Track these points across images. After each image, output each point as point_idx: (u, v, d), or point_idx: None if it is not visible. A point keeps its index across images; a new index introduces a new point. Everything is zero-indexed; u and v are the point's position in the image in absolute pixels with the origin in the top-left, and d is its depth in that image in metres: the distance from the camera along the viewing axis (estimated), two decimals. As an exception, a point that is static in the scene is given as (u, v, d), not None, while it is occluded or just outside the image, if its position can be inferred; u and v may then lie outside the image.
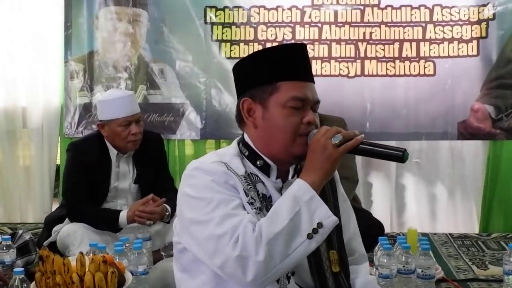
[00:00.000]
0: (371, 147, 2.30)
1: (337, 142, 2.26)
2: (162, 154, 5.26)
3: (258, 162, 2.43)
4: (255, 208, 2.33)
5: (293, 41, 6.14)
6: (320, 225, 2.18)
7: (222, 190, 2.30)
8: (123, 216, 4.71)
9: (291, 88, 2.36)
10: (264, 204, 2.37)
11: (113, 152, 4.88)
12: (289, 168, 2.48)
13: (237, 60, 5.83)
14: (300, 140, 2.36)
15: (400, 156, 2.26)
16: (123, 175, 4.94)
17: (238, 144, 2.50)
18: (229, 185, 2.33)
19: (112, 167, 4.89)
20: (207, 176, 2.32)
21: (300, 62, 2.43)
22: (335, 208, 2.52)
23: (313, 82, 2.45)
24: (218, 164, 2.36)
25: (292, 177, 2.47)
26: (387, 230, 5.54)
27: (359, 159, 5.94)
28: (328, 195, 2.52)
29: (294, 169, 2.49)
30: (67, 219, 4.81)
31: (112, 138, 4.83)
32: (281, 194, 2.37)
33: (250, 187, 2.36)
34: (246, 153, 2.46)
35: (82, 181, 4.80)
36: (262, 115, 2.40)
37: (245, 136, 2.49)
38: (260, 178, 2.42)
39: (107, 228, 4.73)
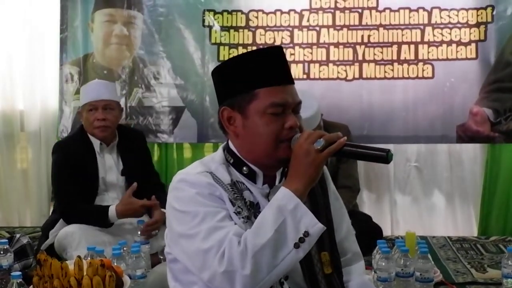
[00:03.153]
0: (355, 149, 2.28)
1: (319, 147, 2.23)
2: (146, 150, 5.34)
3: (243, 169, 2.41)
4: (242, 217, 2.31)
5: (291, 44, 6.17)
6: (306, 233, 2.16)
7: (207, 202, 2.28)
8: (112, 210, 4.73)
9: (269, 95, 2.31)
10: (252, 211, 2.35)
11: (96, 143, 4.94)
12: (275, 173, 2.46)
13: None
14: (283, 146, 2.33)
15: (384, 157, 2.22)
16: (109, 168, 4.99)
17: (224, 150, 2.48)
18: (214, 197, 2.31)
19: (98, 159, 4.93)
20: (192, 188, 2.30)
21: (276, 66, 2.38)
22: (326, 207, 2.51)
23: (293, 83, 2.41)
24: (203, 175, 2.35)
25: (280, 182, 2.44)
26: (385, 233, 5.53)
27: (360, 166, 5.94)
28: (317, 194, 2.50)
29: (281, 173, 2.46)
30: (61, 220, 4.81)
31: (85, 125, 4.95)
32: (269, 200, 2.34)
33: (237, 196, 2.34)
34: (231, 161, 2.43)
35: (70, 180, 4.83)
36: (243, 123, 2.36)
37: (230, 143, 2.46)
38: (246, 186, 2.40)
39: (99, 225, 4.74)
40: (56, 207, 5.04)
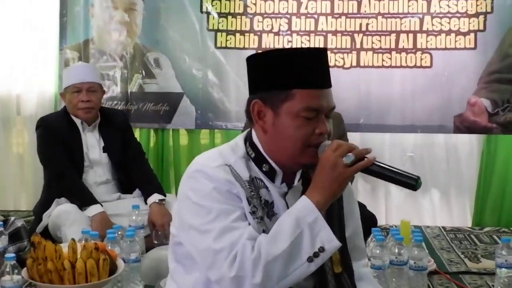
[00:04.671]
0: (383, 170, 2.19)
1: (348, 162, 2.16)
2: (128, 126, 5.40)
3: (263, 166, 2.34)
4: (256, 218, 2.26)
5: (289, 31, 6.17)
6: (322, 249, 2.12)
7: (224, 199, 2.22)
8: (94, 210, 4.77)
9: (306, 97, 2.23)
10: (266, 210, 2.30)
11: (78, 122, 5.01)
12: (295, 172, 2.40)
13: (233, 51, 5.82)
14: (309, 151, 2.26)
15: (413, 185, 2.15)
16: (91, 146, 5.06)
17: (245, 142, 2.40)
18: (231, 194, 2.24)
19: (82, 137, 5.01)
20: (210, 183, 2.24)
21: (318, 69, 2.28)
22: (338, 201, 2.43)
23: (330, 86, 2.31)
24: (222, 169, 2.27)
25: (298, 181, 2.39)
26: (380, 223, 5.52)
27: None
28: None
29: (300, 173, 2.40)
30: (55, 201, 4.85)
31: (69, 107, 5.01)
32: (285, 200, 2.32)
33: (253, 194, 2.28)
34: (253, 155, 2.35)
35: (57, 149, 4.92)
36: (273, 121, 2.28)
37: (254, 135, 2.38)
38: (264, 183, 2.33)
39: (78, 205, 4.80)
40: (45, 175, 5.13)
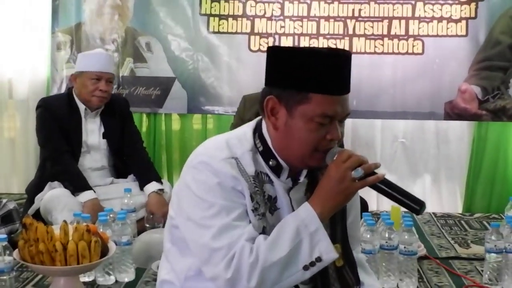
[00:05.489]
0: (390, 190, 2.16)
1: (357, 177, 2.12)
2: (129, 113, 5.42)
3: (270, 162, 2.30)
4: (258, 215, 2.23)
5: (281, 16, 6.15)
6: (319, 259, 2.13)
7: (227, 196, 2.20)
8: (85, 197, 4.78)
9: (322, 103, 2.17)
10: (268, 205, 2.29)
11: (81, 107, 5.02)
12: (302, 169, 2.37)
13: (225, 35, 5.81)
14: (317, 155, 2.23)
15: (417, 210, 2.14)
16: (91, 131, 5.08)
17: (254, 134, 2.35)
18: (235, 191, 2.21)
19: (82, 122, 5.02)
20: (215, 177, 2.20)
21: (339, 75, 2.21)
22: None
23: (348, 92, 2.25)
24: (228, 163, 2.23)
25: (305, 177, 2.35)
26: (371, 208, 5.54)
27: (347, 140, 5.98)
28: None
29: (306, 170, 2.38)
30: (48, 185, 4.87)
31: (80, 90, 5.01)
32: (289, 195, 2.31)
33: (257, 190, 2.25)
34: (261, 148, 2.31)
35: (56, 130, 4.95)
36: (286, 120, 2.23)
37: (264, 128, 2.33)
38: (269, 178, 2.30)
39: (70, 190, 4.83)
40: (41, 155, 5.15)
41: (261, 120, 2.36)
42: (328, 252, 2.14)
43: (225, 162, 2.23)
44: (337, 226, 2.36)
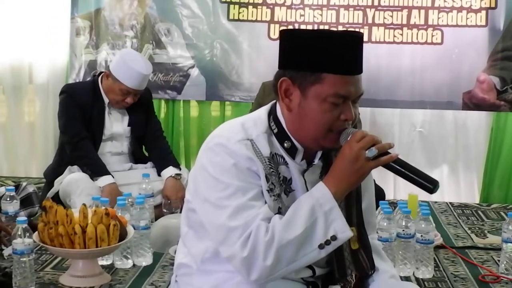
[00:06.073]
0: (403, 169, 2.18)
1: (371, 156, 2.14)
2: (152, 104, 5.46)
3: (285, 143, 2.32)
4: (273, 195, 2.25)
5: (301, 5, 6.16)
6: (334, 237, 2.15)
7: (243, 176, 2.21)
8: (103, 182, 4.80)
9: (336, 83, 2.19)
10: (284, 187, 2.30)
11: (106, 99, 5.03)
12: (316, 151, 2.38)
13: (245, 23, 5.80)
14: (331, 136, 2.24)
15: (431, 189, 2.16)
16: (115, 119, 5.10)
17: (269, 116, 2.37)
18: (251, 172, 2.23)
19: (106, 110, 5.04)
20: (230, 158, 2.22)
21: (351, 55, 2.23)
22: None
23: (361, 72, 2.27)
24: (243, 144, 2.25)
25: (319, 159, 2.37)
26: (388, 197, 5.52)
27: (365, 128, 5.97)
28: None
29: (321, 152, 2.38)
30: (67, 169, 4.91)
31: (107, 88, 5.00)
32: (304, 177, 2.33)
33: (272, 171, 2.27)
34: (275, 130, 2.33)
35: (78, 117, 4.96)
36: (299, 101, 2.25)
37: (278, 110, 2.35)
38: (284, 160, 2.32)
39: (89, 174, 4.86)
40: (60, 140, 5.18)
41: (275, 103, 2.38)
42: (343, 231, 2.15)
43: (240, 144, 2.25)
44: (352, 210, 2.37)
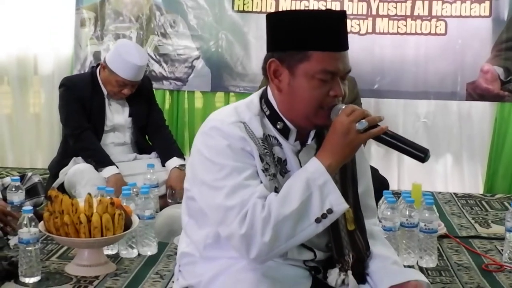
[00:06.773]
0: (394, 140, 2.22)
1: (361, 129, 2.18)
2: (152, 93, 5.48)
3: (278, 124, 2.36)
4: (269, 175, 2.29)
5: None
6: (330, 210, 2.17)
7: (237, 157, 2.25)
8: (108, 172, 4.84)
9: (323, 60, 2.24)
10: (279, 168, 2.34)
11: (105, 90, 5.06)
12: (309, 131, 2.42)
13: (250, 14, 5.79)
14: (322, 113, 2.28)
15: (422, 157, 2.20)
16: (116, 110, 5.13)
17: (261, 100, 2.42)
18: (245, 152, 2.27)
19: (106, 102, 5.06)
20: (224, 140, 2.26)
21: (336, 31, 2.27)
22: (352, 163, 2.47)
23: (347, 49, 2.31)
24: (236, 126, 2.29)
25: (312, 140, 2.41)
26: (392, 187, 5.54)
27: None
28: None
29: (314, 131, 2.43)
30: (72, 160, 4.94)
31: (104, 79, 5.03)
32: (298, 158, 2.35)
33: (266, 152, 2.30)
34: (267, 113, 2.38)
35: (79, 109, 4.98)
36: (288, 81, 2.29)
37: (269, 93, 2.40)
38: (278, 141, 2.36)
39: (94, 166, 4.88)
40: (63, 133, 5.23)
41: (266, 88, 2.43)
42: (339, 204, 2.18)
43: (233, 125, 2.30)
44: (348, 190, 2.40)
